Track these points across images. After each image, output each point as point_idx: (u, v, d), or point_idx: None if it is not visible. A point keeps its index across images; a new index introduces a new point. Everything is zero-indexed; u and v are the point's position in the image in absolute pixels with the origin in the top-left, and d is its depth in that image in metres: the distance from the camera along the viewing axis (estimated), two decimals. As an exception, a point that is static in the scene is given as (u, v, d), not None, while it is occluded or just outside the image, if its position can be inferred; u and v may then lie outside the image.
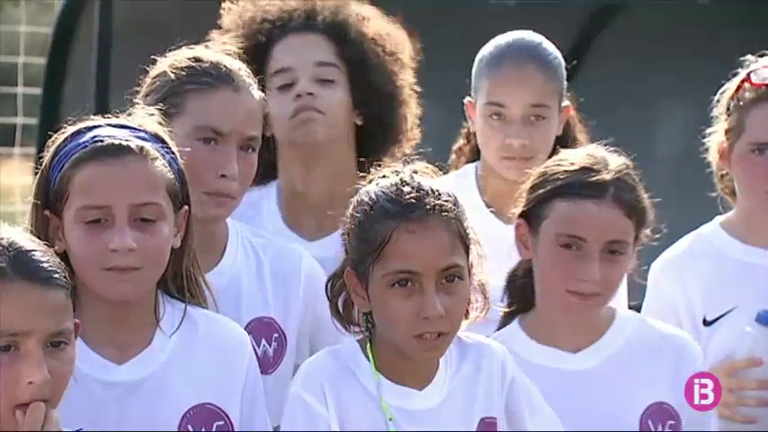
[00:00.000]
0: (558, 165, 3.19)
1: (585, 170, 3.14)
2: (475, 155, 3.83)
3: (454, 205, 2.91)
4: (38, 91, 6.67)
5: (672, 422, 3.21)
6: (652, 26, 5.20)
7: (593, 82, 4.82)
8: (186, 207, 2.90)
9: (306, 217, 3.49)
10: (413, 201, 2.86)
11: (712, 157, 3.66)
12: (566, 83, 3.75)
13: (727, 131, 3.61)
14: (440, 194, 2.89)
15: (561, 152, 3.26)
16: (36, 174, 2.89)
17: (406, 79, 3.57)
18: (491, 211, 3.69)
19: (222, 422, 2.93)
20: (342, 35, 3.46)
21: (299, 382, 2.95)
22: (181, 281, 2.92)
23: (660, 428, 3.19)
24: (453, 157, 3.88)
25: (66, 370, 2.48)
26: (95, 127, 2.87)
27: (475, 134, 3.79)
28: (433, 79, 3.81)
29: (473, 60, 3.78)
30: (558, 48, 3.80)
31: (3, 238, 2.50)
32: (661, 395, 3.21)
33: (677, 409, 3.21)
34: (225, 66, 3.18)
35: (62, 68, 5.82)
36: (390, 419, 2.92)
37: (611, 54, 5.16)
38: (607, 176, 3.13)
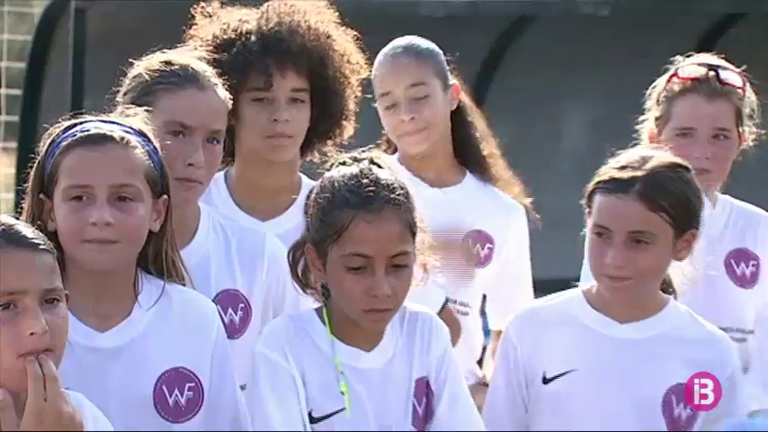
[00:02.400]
0: (612, 162, 3.18)
1: (623, 168, 3.12)
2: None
3: (406, 198, 2.95)
4: (18, 92, 6.68)
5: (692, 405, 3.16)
6: (559, 36, 5.28)
7: (508, 84, 4.90)
8: (166, 196, 2.90)
9: (259, 201, 3.44)
10: (371, 194, 2.91)
11: (644, 141, 3.70)
12: (446, 66, 3.86)
13: (657, 119, 3.70)
14: (394, 189, 2.94)
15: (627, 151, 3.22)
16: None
17: (354, 87, 3.52)
18: (416, 177, 3.73)
19: (193, 383, 2.92)
20: (317, 62, 3.39)
21: (262, 342, 2.99)
22: (160, 262, 2.91)
23: (682, 408, 3.14)
24: (383, 146, 3.91)
25: (62, 323, 2.51)
26: (86, 121, 2.88)
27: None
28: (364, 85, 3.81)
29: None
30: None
31: None
32: (687, 379, 3.13)
33: None
34: (192, 68, 3.15)
35: (41, 72, 5.77)
36: (341, 372, 2.96)
37: (524, 60, 5.25)
38: (637, 174, 3.10)
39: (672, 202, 3.11)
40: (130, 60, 3.26)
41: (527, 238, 3.88)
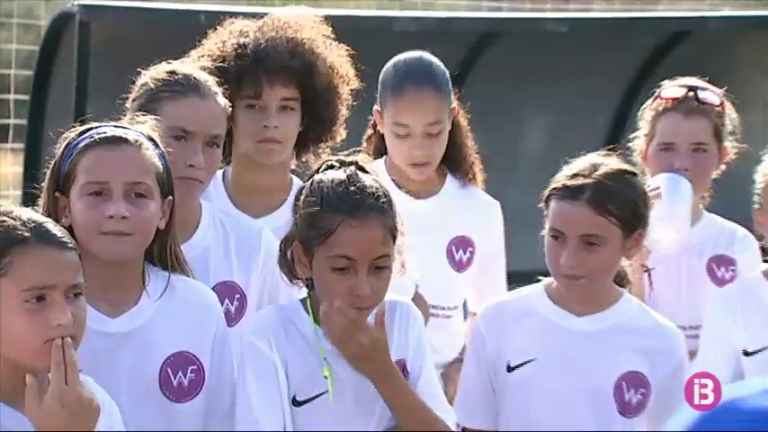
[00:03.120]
0: (565, 169, 3.17)
1: (574, 176, 3.12)
2: (380, 142, 3.80)
3: (389, 205, 2.96)
4: (26, 97, 6.66)
5: (643, 390, 3.16)
6: (523, 50, 5.30)
7: (474, 94, 4.90)
8: (171, 197, 2.91)
9: (252, 200, 3.44)
10: (357, 201, 2.91)
11: (637, 157, 3.77)
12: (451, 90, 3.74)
13: (645, 136, 3.78)
14: (378, 196, 2.94)
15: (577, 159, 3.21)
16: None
17: (345, 94, 3.49)
18: (401, 190, 3.67)
19: (195, 366, 2.93)
20: (304, 73, 3.38)
21: (249, 330, 3.01)
22: (165, 256, 2.92)
23: (632, 393, 3.15)
24: (364, 144, 3.85)
25: (83, 315, 2.57)
26: (102, 125, 2.92)
27: (375, 125, 3.78)
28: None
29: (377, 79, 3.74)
30: (449, 66, 3.87)
31: (21, 215, 2.59)
32: (640, 367, 3.16)
33: (649, 381, 3.15)
34: (194, 77, 3.16)
35: (47, 79, 5.80)
36: (324, 359, 2.96)
37: (491, 72, 5.26)
38: (586, 181, 3.10)
39: (619, 206, 3.11)
40: (138, 69, 3.26)
41: (502, 231, 3.84)
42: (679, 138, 3.72)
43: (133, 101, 3.19)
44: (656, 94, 3.82)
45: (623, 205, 3.12)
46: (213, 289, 3.12)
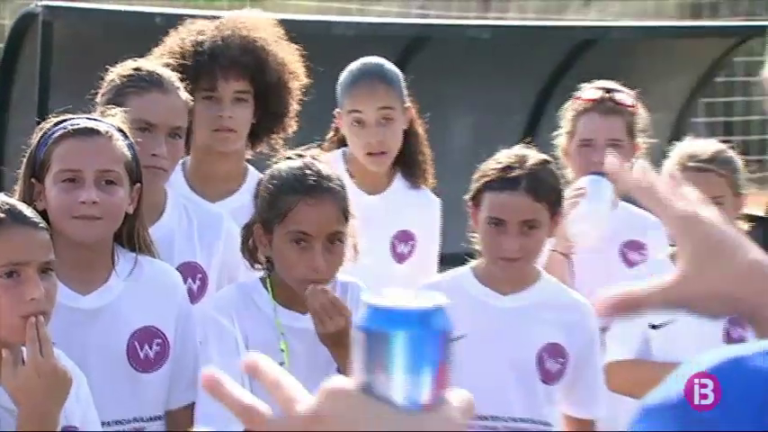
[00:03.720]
0: (491, 163, 3.22)
1: (507, 168, 3.16)
2: (342, 144, 3.81)
3: (341, 188, 3.00)
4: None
5: (562, 359, 3.21)
6: (449, 54, 5.34)
7: (408, 93, 4.97)
8: (139, 184, 2.93)
9: (209, 186, 3.44)
10: (313, 182, 2.95)
11: (560, 153, 3.81)
12: (404, 90, 3.75)
13: (567, 134, 3.84)
14: (332, 179, 2.98)
15: (498, 152, 3.26)
16: None
17: (296, 89, 3.50)
18: (354, 184, 3.66)
19: (160, 340, 2.95)
20: (255, 68, 3.39)
21: (212, 306, 3.02)
22: (133, 238, 2.94)
23: (552, 362, 3.20)
24: (327, 144, 3.82)
25: (54, 291, 2.58)
26: (76, 117, 2.92)
27: (337, 128, 3.78)
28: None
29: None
30: None
31: None
32: (558, 338, 3.21)
33: (567, 352, 3.20)
34: (157, 73, 3.18)
35: (11, 76, 5.70)
36: (282, 333, 2.98)
37: (421, 73, 5.29)
38: (521, 172, 3.14)
39: (549, 192, 3.18)
40: (100, 67, 3.26)
41: (439, 224, 3.81)
42: (597, 135, 3.78)
43: (102, 95, 3.19)
44: (575, 96, 3.89)
45: (551, 191, 3.19)
46: (177, 269, 3.12)
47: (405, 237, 3.72)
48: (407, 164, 3.72)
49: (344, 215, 2.99)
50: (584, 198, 3.61)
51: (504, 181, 3.15)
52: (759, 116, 8.28)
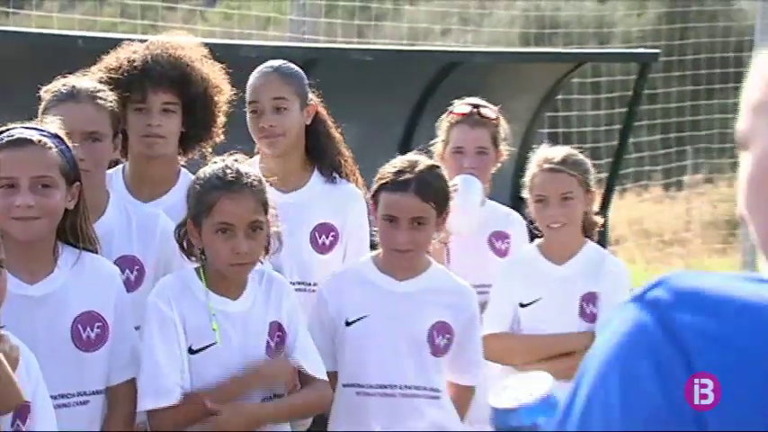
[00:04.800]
0: (388, 167, 3.22)
1: (399, 172, 3.18)
2: None
3: (259, 183, 2.97)
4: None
5: (449, 335, 3.22)
6: (337, 75, 5.31)
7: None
8: (78, 183, 2.85)
9: (143, 187, 3.37)
10: (233, 179, 2.92)
11: (436, 158, 3.75)
12: (307, 89, 3.61)
13: (442, 142, 3.84)
14: (250, 176, 2.96)
15: (396, 158, 3.26)
16: None
17: (221, 102, 3.41)
18: (273, 186, 3.49)
19: (101, 323, 2.89)
20: (181, 82, 3.33)
21: (154, 293, 2.96)
22: (76, 232, 2.87)
23: (441, 338, 3.21)
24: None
25: (4, 284, 2.48)
26: (13, 128, 2.84)
27: None
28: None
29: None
30: None
31: None
32: (445, 317, 3.22)
33: (453, 328, 3.22)
34: (74, 86, 3.10)
35: None
36: (214, 315, 2.95)
37: (312, 91, 5.32)
38: (411, 176, 3.16)
39: (436, 193, 3.19)
40: (38, 85, 3.18)
41: (365, 214, 3.63)
42: (467, 143, 3.82)
43: (41, 108, 3.14)
44: (449, 110, 3.91)
45: (438, 192, 3.19)
46: (116, 261, 3.06)
47: (325, 229, 3.61)
48: (318, 159, 3.61)
49: (263, 206, 2.96)
50: (457, 194, 3.66)
51: (397, 183, 3.16)
52: (592, 127, 8.48)
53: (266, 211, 2.96)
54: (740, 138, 1.02)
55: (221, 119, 3.41)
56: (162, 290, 2.96)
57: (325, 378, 3.05)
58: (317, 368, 3.04)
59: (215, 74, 3.40)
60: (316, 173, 3.63)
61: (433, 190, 3.17)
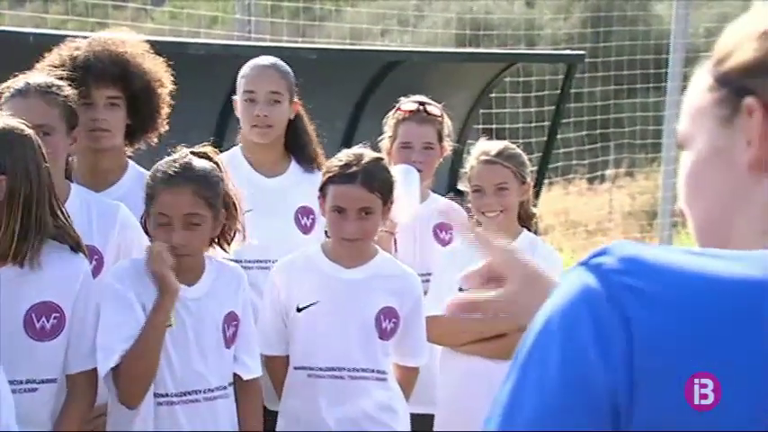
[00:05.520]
0: (334, 161, 3.20)
1: (346, 165, 3.15)
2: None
3: (206, 180, 2.89)
4: None
5: (395, 320, 3.20)
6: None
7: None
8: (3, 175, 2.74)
9: (93, 178, 3.29)
10: (174, 173, 2.88)
11: (384, 153, 3.72)
12: (294, 87, 3.65)
13: (390, 138, 3.81)
14: (194, 170, 2.89)
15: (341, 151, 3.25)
16: None
17: (164, 95, 3.36)
18: (255, 171, 3.59)
19: (58, 314, 2.80)
20: (123, 77, 3.27)
21: (110, 275, 2.91)
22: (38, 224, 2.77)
23: (387, 322, 3.19)
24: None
25: None
26: None
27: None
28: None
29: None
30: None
31: None
32: (391, 303, 3.20)
33: (399, 313, 3.21)
34: (25, 82, 3.05)
35: None
36: None
37: None
38: (357, 168, 3.14)
39: (381, 184, 3.17)
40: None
41: None
42: (414, 139, 3.78)
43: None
44: (396, 107, 3.87)
45: (383, 183, 3.18)
46: None
47: (306, 211, 3.63)
48: (296, 151, 3.64)
49: (206, 201, 2.89)
50: (397, 184, 3.65)
51: (344, 176, 3.14)
52: (522, 124, 8.52)
53: (212, 206, 2.89)
54: (680, 138, 1.07)
55: (165, 110, 3.36)
56: (118, 272, 2.91)
57: (259, 373, 3.01)
58: (254, 367, 3.00)
59: (157, 68, 3.34)
60: (293, 162, 3.65)
61: (378, 181, 3.15)
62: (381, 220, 3.20)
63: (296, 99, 3.66)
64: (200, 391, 2.88)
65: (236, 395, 2.97)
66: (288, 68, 3.68)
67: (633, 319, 0.92)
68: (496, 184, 3.54)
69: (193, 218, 2.87)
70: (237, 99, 3.66)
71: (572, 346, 0.93)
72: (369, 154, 3.22)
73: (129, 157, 3.41)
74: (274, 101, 3.58)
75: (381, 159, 3.25)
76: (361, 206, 3.13)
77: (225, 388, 2.94)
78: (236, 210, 2.98)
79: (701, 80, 1.06)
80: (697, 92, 1.06)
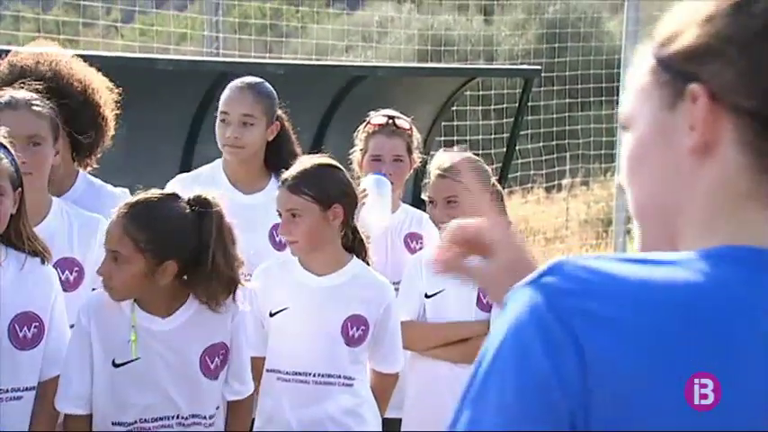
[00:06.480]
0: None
1: (290, 172, 3.12)
2: None
3: (137, 219, 2.67)
4: None
5: (363, 327, 3.16)
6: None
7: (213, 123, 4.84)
8: (20, 189, 2.75)
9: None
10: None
11: (355, 166, 3.73)
12: (275, 108, 3.60)
13: (361, 151, 3.77)
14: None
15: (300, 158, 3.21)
16: None
17: (108, 105, 3.27)
18: (233, 186, 3.56)
19: (37, 323, 2.78)
20: (58, 83, 3.18)
21: (81, 306, 2.79)
22: (21, 236, 2.75)
23: (355, 330, 3.15)
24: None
25: None
26: None
27: None
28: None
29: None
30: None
31: None
32: (360, 311, 3.16)
33: (368, 321, 3.16)
34: (11, 96, 3.02)
35: None
36: (133, 326, 2.75)
37: None
38: (291, 173, 3.09)
39: (312, 187, 3.10)
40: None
41: None
42: (384, 152, 3.75)
43: None
44: (367, 121, 3.84)
45: (317, 186, 3.09)
46: (57, 262, 2.93)
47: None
48: (276, 169, 3.56)
49: (131, 238, 2.69)
50: (369, 195, 3.61)
51: (283, 181, 3.15)
52: (483, 135, 8.53)
53: (135, 240, 2.69)
54: (624, 119, 1.03)
55: (109, 118, 3.28)
56: (87, 303, 2.80)
57: (248, 393, 2.94)
58: (247, 387, 2.92)
59: (99, 85, 3.27)
60: (273, 179, 3.59)
61: (306, 185, 3.09)
62: (326, 222, 3.12)
63: (278, 118, 3.62)
64: (171, 417, 2.75)
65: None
66: (268, 89, 3.63)
67: (585, 345, 0.90)
68: (445, 197, 3.54)
69: (115, 254, 2.70)
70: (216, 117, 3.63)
71: (527, 370, 0.91)
72: (314, 160, 3.17)
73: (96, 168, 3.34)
74: (247, 123, 3.53)
75: (326, 166, 3.16)
76: (287, 208, 3.10)
77: (204, 417, 2.81)
78: None
79: (645, 61, 1.03)
80: (641, 73, 1.03)
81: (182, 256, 2.67)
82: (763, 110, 0.96)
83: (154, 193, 2.71)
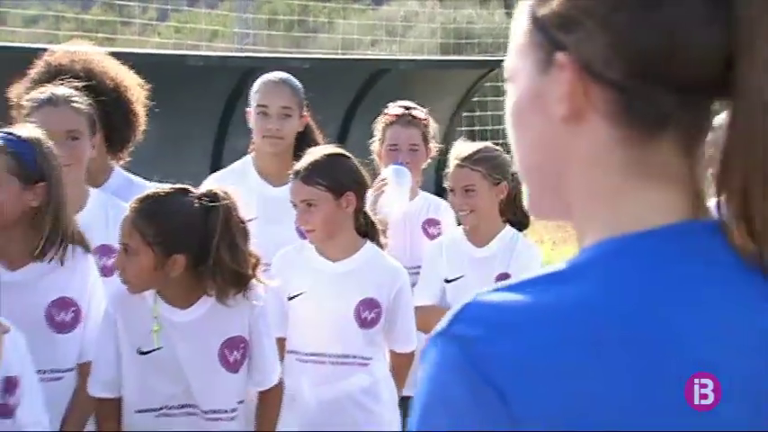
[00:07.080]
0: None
1: (302, 163, 3.12)
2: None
3: (146, 214, 2.68)
4: None
5: (377, 310, 3.18)
6: None
7: (243, 116, 4.90)
8: (44, 182, 2.75)
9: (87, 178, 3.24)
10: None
11: (375, 155, 3.77)
12: (303, 101, 3.66)
13: (379, 140, 3.82)
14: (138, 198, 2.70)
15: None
16: None
17: (139, 101, 3.31)
18: (263, 179, 3.61)
19: (75, 308, 2.83)
20: (91, 81, 3.22)
21: (107, 299, 2.82)
22: (57, 227, 2.78)
23: (368, 312, 3.17)
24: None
25: None
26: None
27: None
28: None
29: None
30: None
31: None
32: (372, 294, 3.14)
33: (381, 304, 3.18)
34: (51, 93, 3.07)
35: None
36: (155, 318, 2.75)
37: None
38: (303, 164, 3.12)
39: (324, 176, 3.11)
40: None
41: None
42: (401, 141, 3.81)
43: (26, 114, 3.09)
44: (384, 112, 3.90)
45: (329, 175, 3.12)
46: (95, 249, 2.98)
47: None
48: None
49: (144, 238, 2.70)
50: (389, 184, 3.65)
51: (295, 172, 3.16)
52: (503, 125, 8.51)
53: (148, 241, 2.69)
54: (508, 72, 1.00)
55: (140, 113, 3.33)
56: (113, 293, 2.83)
57: (272, 383, 2.92)
58: (269, 378, 2.91)
59: (123, 75, 3.32)
60: None
61: (318, 175, 3.12)
62: (340, 210, 3.15)
63: (305, 112, 3.69)
64: (194, 406, 2.76)
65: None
66: (298, 84, 3.72)
67: (506, 391, 0.87)
68: (463, 186, 3.59)
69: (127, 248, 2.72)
70: (251, 111, 3.68)
71: (458, 415, 0.88)
72: (325, 151, 3.20)
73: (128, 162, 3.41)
74: (286, 115, 3.62)
75: (337, 155, 3.19)
76: (301, 198, 3.12)
77: (226, 411, 2.78)
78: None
79: (523, 16, 0.98)
80: (520, 28, 0.98)
81: (190, 250, 2.65)
82: (627, 82, 0.92)
83: (164, 187, 2.69)
